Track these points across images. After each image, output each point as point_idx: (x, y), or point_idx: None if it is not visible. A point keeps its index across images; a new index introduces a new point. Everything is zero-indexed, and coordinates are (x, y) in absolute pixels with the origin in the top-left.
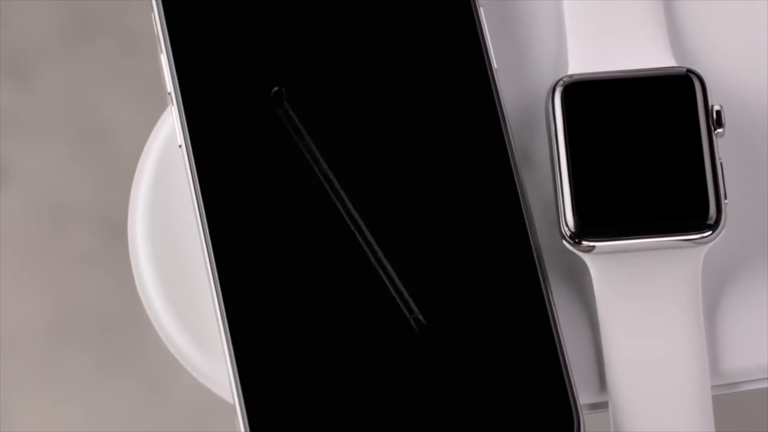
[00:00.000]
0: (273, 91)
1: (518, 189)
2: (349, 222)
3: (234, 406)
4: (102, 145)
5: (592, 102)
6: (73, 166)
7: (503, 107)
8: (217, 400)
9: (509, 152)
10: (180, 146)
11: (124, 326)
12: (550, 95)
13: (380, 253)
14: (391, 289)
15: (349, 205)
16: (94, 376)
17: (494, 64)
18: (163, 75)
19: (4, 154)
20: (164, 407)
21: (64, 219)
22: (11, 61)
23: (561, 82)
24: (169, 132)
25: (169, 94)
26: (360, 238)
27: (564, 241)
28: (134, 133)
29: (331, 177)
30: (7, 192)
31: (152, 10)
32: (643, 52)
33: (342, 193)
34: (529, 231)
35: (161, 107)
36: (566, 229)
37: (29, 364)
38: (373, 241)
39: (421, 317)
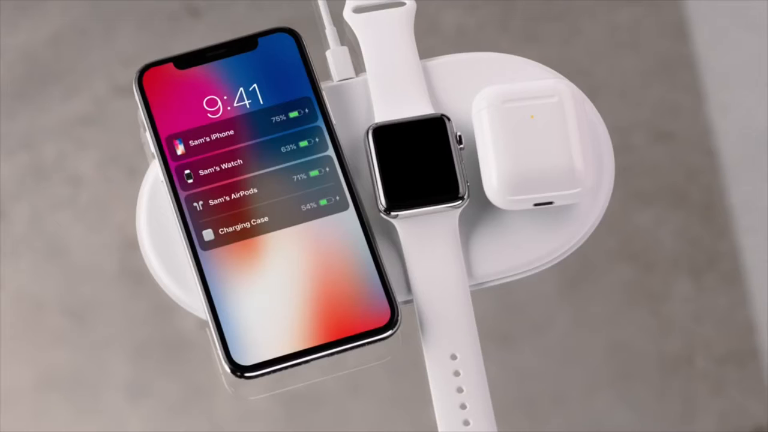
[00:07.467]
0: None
1: (353, 187)
2: (258, 205)
3: (206, 320)
4: (62, 255)
5: (389, 136)
6: (43, 272)
7: (339, 143)
8: None
9: (346, 167)
10: (161, 181)
11: (91, 384)
12: (366, 134)
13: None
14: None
15: (262, 197)
16: (73, 424)
17: (334, 121)
18: (148, 143)
19: None
20: None
21: (39, 309)
22: None
23: (371, 127)
24: (155, 174)
25: (152, 153)
26: (263, 212)
27: (381, 214)
28: (85, 246)
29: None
30: None
31: (138, 110)
32: (414, 106)
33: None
34: (362, 209)
35: (104, 227)
36: (381, 206)
37: (20, 417)
38: (271, 215)
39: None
